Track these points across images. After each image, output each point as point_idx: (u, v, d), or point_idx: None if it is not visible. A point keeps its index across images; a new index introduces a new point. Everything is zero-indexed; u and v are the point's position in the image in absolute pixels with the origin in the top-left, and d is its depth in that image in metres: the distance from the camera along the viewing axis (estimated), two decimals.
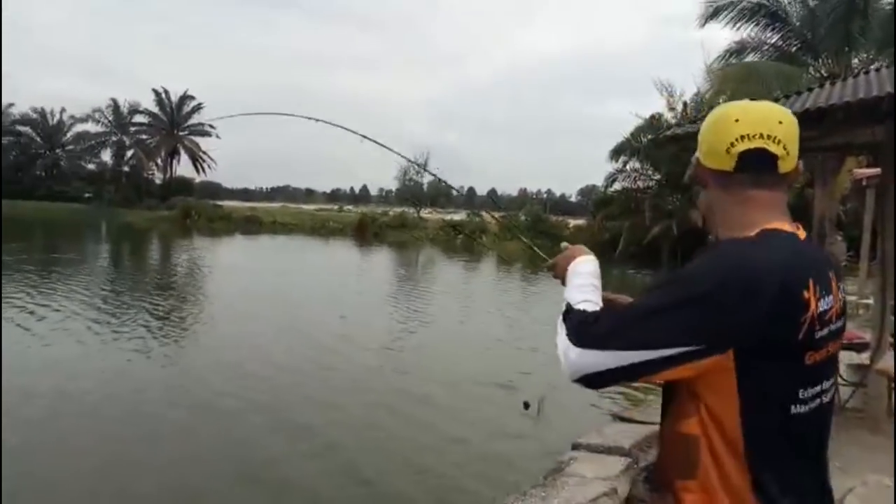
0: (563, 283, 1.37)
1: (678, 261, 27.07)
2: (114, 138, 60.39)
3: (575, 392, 7.92)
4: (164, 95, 60.92)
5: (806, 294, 1.09)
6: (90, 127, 59.92)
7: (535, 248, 1.80)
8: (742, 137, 1.19)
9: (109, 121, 59.96)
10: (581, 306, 1.22)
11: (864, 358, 6.12)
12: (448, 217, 46.65)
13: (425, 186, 52.32)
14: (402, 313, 13.75)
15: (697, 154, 1.27)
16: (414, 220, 45.43)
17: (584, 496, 3.96)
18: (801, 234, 1.21)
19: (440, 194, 53.84)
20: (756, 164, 1.19)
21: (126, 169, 60.22)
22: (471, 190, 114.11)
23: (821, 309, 1.11)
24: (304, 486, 5.12)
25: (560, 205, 68.86)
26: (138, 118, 61.45)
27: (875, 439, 5.36)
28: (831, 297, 1.14)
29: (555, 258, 1.46)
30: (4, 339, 8.66)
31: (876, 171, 7.73)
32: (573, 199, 74.69)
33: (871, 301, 7.94)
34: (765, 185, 1.21)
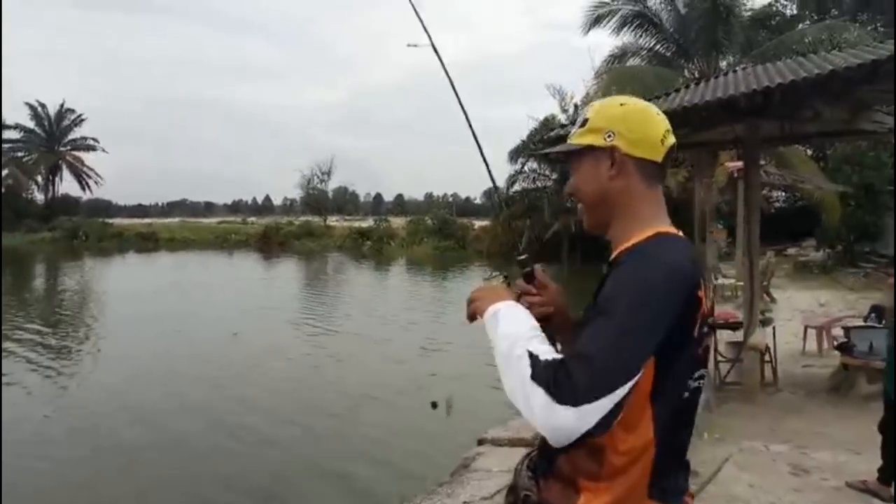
0: (480, 319, 1.25)
1: (577, 254, 28.29)
2: None
3: (481, 388, 8.14)
4: (39, 109, 56.51)
5: (700, 293, 1.14)
6: None
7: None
8: (668, 131, 1.24)
9: None
10: (547, 356, 1.10)
11: (738, 335, 6.67)
12: (356, 224, 46.14)
13: (330, 194, 51.53)
14: (306, 325, 13.52)
15: (611, 142, 1.22)
16: (320, 228, 44.66)
17: (488, 490, 4.11)
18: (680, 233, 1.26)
19: (347, 202, 53.24)
20: (669, 161, 1.24)
21: (1, 189, 55.12)
22: (378, 196, 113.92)
23: (706, 306, 1.18)
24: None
25: (466, 207, 69.87)
26: (10, 134, 56.60)
27: (750, 408, 5.86)
28: (706, 295, 1.20)
29: (480, 291, 1.31)
30: None
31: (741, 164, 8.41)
32: (478, 200, 76.06)
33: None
34: (663, 181, 1.27)
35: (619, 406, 1.04)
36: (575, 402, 1.02)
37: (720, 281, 13.47)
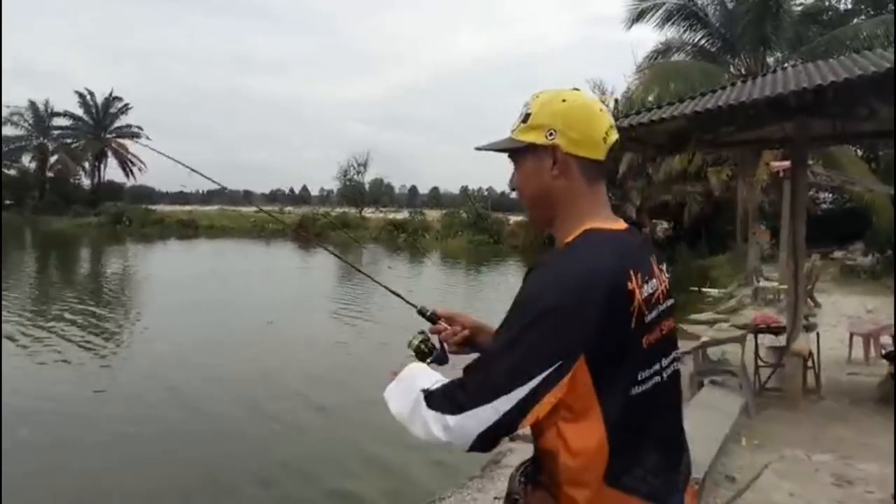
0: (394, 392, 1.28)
1: None
2: (35, 142, 57.14)
3: None
4: (88, 97, 58.29)
5: (630, 285, 1.10)
6: (8, 130, 56.14)
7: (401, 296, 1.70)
8: (611, 128, 1.22)
9: (29, 124, 56.82)
10: (438, 385, 1.17)
11: (781, 340, 6.49)
12: (391, 216, 46.34)
13: (367, 186, 51.90)
14: (341, 315, 13.67)
15: (553, 140, 1.19)
16: (356, 219, 45.01)
17: None
18: (620, 225, 1.23)
19: (382, 194, 53.52)
20: (611, 157, 1.23)
21: (51, 174, 57.04)
22: (413, 189, 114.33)
23: (646, 294, 1.13)
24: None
25: (501, 202, 69.53)
26: (61, 121, 58.55)
27: (792, 415, 5.70)
28: (654, 280, 1.18)
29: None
30: None
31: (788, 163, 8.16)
32: (514, 195, 75.35)
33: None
34: (606, 177, 1.26)
35: (511, 415, 1.05)
36: (461, 408, 1.07)
37: (762, 283, 13.15)
